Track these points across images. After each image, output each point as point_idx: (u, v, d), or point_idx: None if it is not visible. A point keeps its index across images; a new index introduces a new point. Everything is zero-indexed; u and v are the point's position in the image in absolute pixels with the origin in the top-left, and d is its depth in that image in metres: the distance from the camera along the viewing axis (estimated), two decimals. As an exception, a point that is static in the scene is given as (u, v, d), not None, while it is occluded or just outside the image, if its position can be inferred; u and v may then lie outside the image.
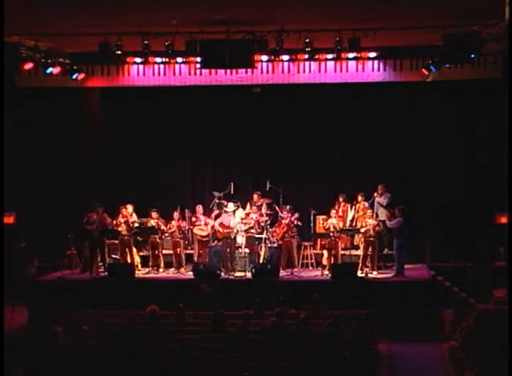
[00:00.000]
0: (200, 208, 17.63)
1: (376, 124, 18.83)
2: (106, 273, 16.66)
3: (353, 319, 12.32)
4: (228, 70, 17.59)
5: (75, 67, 17.30)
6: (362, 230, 16.86)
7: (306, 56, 16.75)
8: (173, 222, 17.40)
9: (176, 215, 17.42)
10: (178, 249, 17.31)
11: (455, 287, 16.40)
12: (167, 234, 17.53)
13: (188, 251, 17.78)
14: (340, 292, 15.29)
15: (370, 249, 16.75)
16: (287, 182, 18.81)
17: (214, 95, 18.79)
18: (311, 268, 17.59)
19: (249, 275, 16.44)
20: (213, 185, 19.03)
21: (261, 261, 17.19)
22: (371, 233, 16.69)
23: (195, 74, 17.91)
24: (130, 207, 17.46)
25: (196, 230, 17.46)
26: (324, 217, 17.84)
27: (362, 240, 16.94)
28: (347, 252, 17.02)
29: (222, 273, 16.65)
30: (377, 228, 16.71)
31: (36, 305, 15.86)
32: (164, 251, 17.61)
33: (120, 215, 17.24)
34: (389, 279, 16.35)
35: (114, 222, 17.18)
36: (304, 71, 17.67)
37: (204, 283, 14.87)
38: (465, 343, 10.66)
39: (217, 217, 17.67)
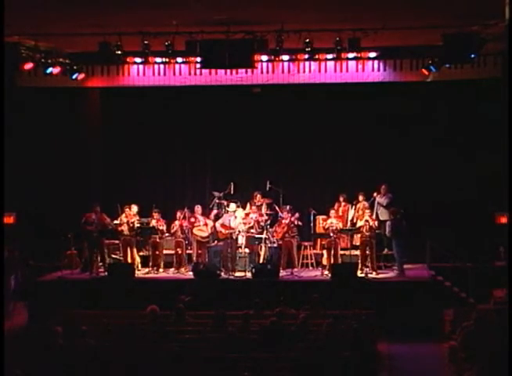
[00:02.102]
0: (198, 208, 17.63)
1: (376, 124, 18.81)
2: (106, 273, 16.66)
3: (353, 319, 12.33)
4: (228, 70, 17.60)
5: (75, 67, 17.29)
6: (356, 226, 16.93)
7: (306, 56, 16.75)
8: (176, 222, 17.41)
9: (179, 214, 17.43)
10: (180, 249, 17.31)
11: (455, 287, 16.39)
12: (167, 234, 17.54)
13: (188, 251, 17.78)
14: (340, 292, 15.29)
15: (367, 249, 16.76)
16: (287, 182, 18.82)
17: (214, 95, 18.78)
18: (311, 268, 17.58)
19: (249, 275, 16.43)
20: (213, 185, 19.04)
21: (261, 261, 17.19)
22: (367, 233, 16.69)
23: (195, 74, 17.92)
24: (135, 208, 17.47)
25: (195, 231, 17.45)
26: (324, 217, 17.84)
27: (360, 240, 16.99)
28: (346, 252, 17.02)
29: (222, 273, 16.64)
30: (369, 224, 16.65)
31: (36, 305, 15.87)
32: (165, 251, 17.61)
33: (123, 215, 17.23)
34: (389, 279, 16.36)
35: (117, 221, 17.17)
36: (304, 71, 17.67)
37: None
38: (465, 343, 10.69)
39: (216, 217, 17.68)
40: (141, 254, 17.87)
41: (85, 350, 10.77)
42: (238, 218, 17.23)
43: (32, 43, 15.86)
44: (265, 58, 17.08)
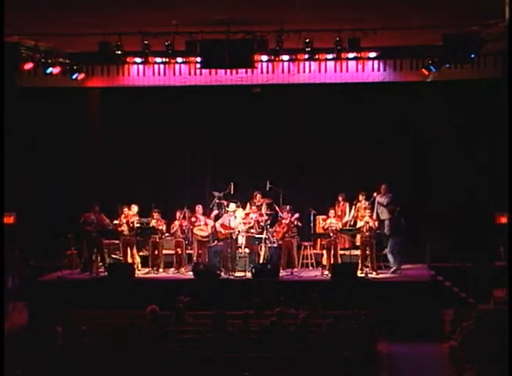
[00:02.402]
0: (199, 208, 17.64)
1: (376, 125, 18.82)
2: (106, 273, 16.66)
3: (353, 319, 12.33)
4: (228, 70, 17.61)
5: (75, 67, 17.29)
6: (357, 226, 16.92)
7: (306, 56, 16.76)
8: (176, 222, 17.41)
9: (179, 214, 17.43)
10: (179, 249, 17.31)
11: (455, 287, 16.40)
12: (167, 234, 17.54)
13: (188, 251, 17.79)
14: (340, 292, 15.29)
15: (367, 249, 16.75)
16: (287, 182, 18.80)
17: (214, 95, 18.77)
18: (311, 268, 17.58)
19: (249, 275, 16.43)
20: (213, 185, 19.04)
21: (261, 261, 17.19)
22: (367, 233, 16.68)
23: (195, 74, 17.94)
24: (135, 208, 17.48)
25: (196, 231, 17.46)
26: (324, 217, 17.83)
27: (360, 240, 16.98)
28: (346, 252, 17.02)
29: (222, 273, 16.64)
30: (370, 224, 16.64)
31: (36, 305, 15.87)
32: (165, 251, 17.61)
33: (123, 215, 17.23)
34: (389, 279, 16.36)
35: (117, 222, 17.17)
36: (304, 71, 17.68)
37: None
38: (465, 343, 10.69)
39: (216, 217, 17.69)
40: (141, 254, 17.87)
41: (85, 350, 10.77)
42: (238, 218, 17.24)
43: (32, 43, 15.86)
44: (265, 58, 17.09)
